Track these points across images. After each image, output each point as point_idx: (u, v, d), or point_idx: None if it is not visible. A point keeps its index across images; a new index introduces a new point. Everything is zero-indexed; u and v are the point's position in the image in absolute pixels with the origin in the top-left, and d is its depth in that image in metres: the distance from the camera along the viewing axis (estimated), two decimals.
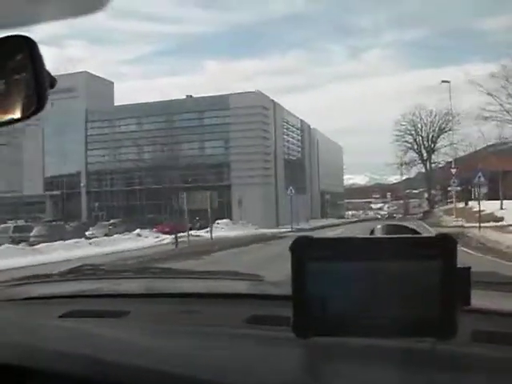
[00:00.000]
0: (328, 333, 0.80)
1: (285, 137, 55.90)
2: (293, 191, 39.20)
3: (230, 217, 44.45)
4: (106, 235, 32.11)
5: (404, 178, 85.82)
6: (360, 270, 0.77)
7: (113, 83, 58.32)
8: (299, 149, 60.91)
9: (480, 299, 0.97)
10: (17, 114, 0.81)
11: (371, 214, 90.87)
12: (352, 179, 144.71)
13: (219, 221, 37.39)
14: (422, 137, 65.91)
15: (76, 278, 1.84)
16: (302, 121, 61.64)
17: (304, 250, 0.79)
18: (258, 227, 38.47)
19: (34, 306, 1.42)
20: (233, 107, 47.87)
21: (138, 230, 31.50)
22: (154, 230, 39.92)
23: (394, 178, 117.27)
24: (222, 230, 34.70)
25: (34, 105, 0.79)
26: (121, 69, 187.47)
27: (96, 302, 1.40)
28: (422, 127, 65.86)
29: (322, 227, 40.92)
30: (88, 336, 1.04)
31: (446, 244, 0.77)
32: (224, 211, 45.25)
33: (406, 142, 66.30)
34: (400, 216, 78.45)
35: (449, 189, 45.60)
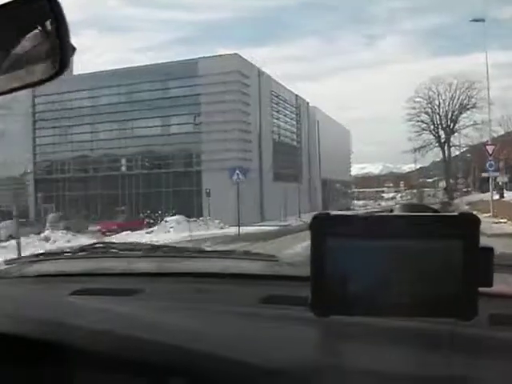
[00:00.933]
0: (347, 312, 0.79)
1: (274, 113, 45.57)
2: (240, 177, 26.83)
3: (200, 210, 35.50)
4: (10, 236, 23.65)
5: (418, 166, 79.67)
6: (380, 247, 0.77)
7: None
8: (294, 129, 51.02)
9: (501, 282, 0.95)
10: (38, 77, 0.81)
11: (383, 204, 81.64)
12: (365, 168, 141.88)
13: (168, 218, 28.54)
14: (440, 115, 56.28)
15: (88, 255, 1.81)
16: (297, 96, 51.39)
17: (323, 227, 0.78)
18: (224, 225, 29.47)
19: (46, 283, 1.44)
20: (203, 74, 37.83)
21: (47, 232, 22.93)
22: (98, 227, 31.64)
23: (407, 167, 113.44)
24: (171, 229, 25.84)
25: (56, 68, 0.79)
26: (134, 57, 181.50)
27: (108, 280, 1.41)
28: (439, 104, 56.16)
29: None
30: (100, 311, 1.05)
31: (468, 223, 0.76)
32: (193, 204, 36.20)
33: (421, 121, 56.75)
34: None
35: (483, 175, 35.43)
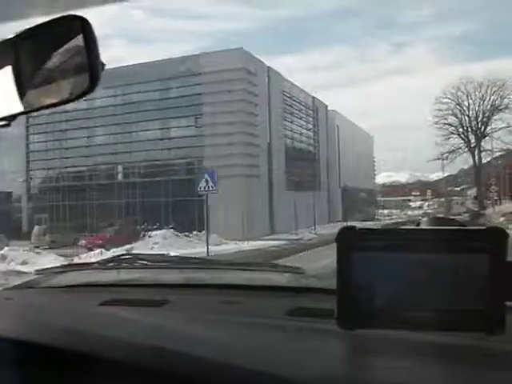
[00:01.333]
0: (373, 325, 0.80)
1: (287, 116, 41.52)
2: (210, 186, 18.45)
3: (201, 223, 31.85)
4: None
5: (446, 174, 76.65)
6: (407, 261, 0.76)
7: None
8: (310, 133, 47.05)
9: None
10: (69, 95, 0.83)
11: (409, 213, 77.17)
12: (392, 177, 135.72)
13: (154, 232, 24.88)
14: (470, 117, 51.54)
15: (116, 266, 1.82)
16: (314, 98, 47.58)
17: (350, 241, 0.78)
18: (222, 240, 25.69)
19: (75, 294, 1.48)
20: (205, 72, 34.30)
21: (5, 249, 19.54)
22: (83, 242, 28.42)
23: (435, 175, 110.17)
24: (155, 246, 22.18)
25: (86, 85, 0.81)
26: None
27: (136, 290, 1.45)
28: (469, 105, 51.58)
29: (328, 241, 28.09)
30: (128, 322, 1.08)
31: (495, 236, 0.76)
32: (194, 215, 32.56)
33: (449, 124, 52.21)
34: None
35: None
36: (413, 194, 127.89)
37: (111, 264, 1.82)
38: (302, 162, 42.75)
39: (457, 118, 52.09)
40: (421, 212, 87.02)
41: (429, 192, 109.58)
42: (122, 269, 1.79)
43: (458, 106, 51.60)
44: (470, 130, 52.08)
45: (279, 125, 39.57)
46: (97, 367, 0.91)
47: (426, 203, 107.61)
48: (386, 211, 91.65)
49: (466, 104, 51.63)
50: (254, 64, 36.25)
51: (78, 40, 0.79)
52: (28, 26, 0.84)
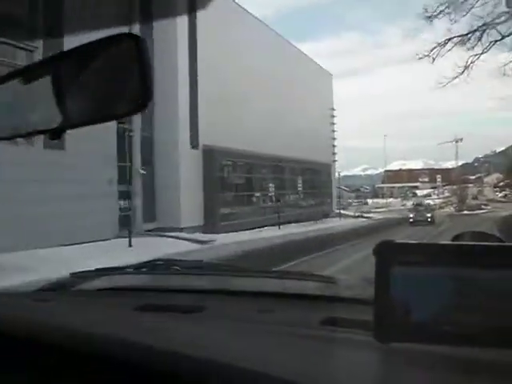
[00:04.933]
0: (410, 339, 0.79)
1: None
2: None
3: None
4: None
5: (460, 163, 69.92)
6: (446, 276, 0.77)
7: None
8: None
9: None
10: (123, 111, 0.86)
11: (409, 204, 62.81)
12: (405, 165, 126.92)
13: None
14: None
15: (149, 271, 1.81)
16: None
17: (388, 254, 0.78)
18: None
19: (109, 298, 1.49)
20: None
21: None
22: None
23: (449, 164, 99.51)
24: None
25: (139, 102, 0.82)
26: None
27: (170, 296, 1.45)
28: None
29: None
30: (164, 330, 1.07)
31: None
32: None
33: None
34: (454, 210, 52.09)
35: None
36: (420, 180, 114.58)
37: (144, 269, 1.80)
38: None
39: None
40: (430, 201, 73.74)
41: (439, 178, 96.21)
42: (155, 274, 1.79)
43: None
44: None
45: None
46: (131, 374, 0.91)
47: (436, 191, 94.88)
48: (384, 201, 79.26)
49: None
50: None
51: (131, 57, 0.82)
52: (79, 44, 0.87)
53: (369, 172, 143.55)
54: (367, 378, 0.83)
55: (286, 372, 0.82)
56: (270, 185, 28.23)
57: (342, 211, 37.94)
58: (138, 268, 1.81)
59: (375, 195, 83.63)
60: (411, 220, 32.92)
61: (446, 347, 0.78)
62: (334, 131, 41.33)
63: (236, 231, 20.82)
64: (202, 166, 22.23)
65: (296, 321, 1.15)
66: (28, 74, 0.93)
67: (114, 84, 0.86)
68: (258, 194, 27.59)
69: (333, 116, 41.12)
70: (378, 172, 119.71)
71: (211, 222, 21.60)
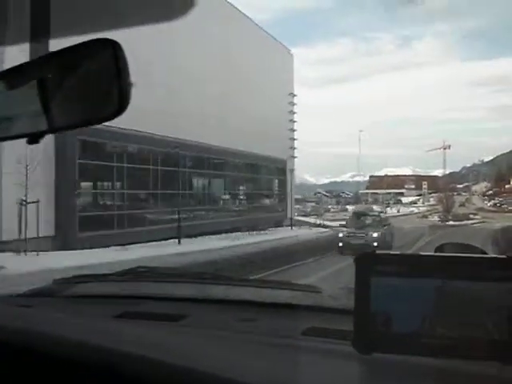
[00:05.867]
0: (389, 350, 0.79)
1: None
2: None
3: None
4: None
5: (448, 172, 72.75)
6: (426, 287, 0.77)
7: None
8: None
9: None
10: (100, 115, 0.87)
11: (392, 211, 57.09)
12: (394, 172, 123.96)
13: None
14: None
15: (131, 278, 1.83)
16: None
17: (369, 265, 0.79)
18: None
19: (90, 305, 1.49)
20: None
21: None
22: None
23: (437, 172, 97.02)
24: None
25: (116, 106, 0.83)
26: None
27: (151, 304, 1.44)
28: None
29: None
30: (142, 338, 1.08)
31: None
32: None
33: None
34: (438, 220, 45.66)
35: None
36: (406, 186, 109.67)
37: (127, 276, 1.82)
38: None
39: None
40: (415, 209, 70.63)
41: (424, 184, 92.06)
42: (137, 281, 1.80)
43: None
44: None
45: None
46: (106, 381, 0.92)
47: (421, 199, 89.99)
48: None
49: None
50: None
51: (109, 62, 0.82)
52: (60, 47, 0.87)
53: (357, 179, 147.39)
54: None
55: (264, 381, 0.83)
56: (195, 182, 21.48)
57: (303, 218, 31.35)
58: (120, 275, 1.82)
59: (357, 201, 78.22)
60: (340, 244, 18.61)
61: (424, 358, 0.79)
62: (294, 121, 34.72)
63: (106, 246, 14.01)
64: (53, 148, 15.08)
65: (277, 330, 1.14)
66: (6, 77, 0.93)
67: (91, 88, 0.86)
68: (163, 192, 20.42)
69: (293, 103, 34.56)
70: (366, 179, 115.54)
71: (64, 233, 14.62)
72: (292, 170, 33.15)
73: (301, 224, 30.70)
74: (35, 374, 0.99)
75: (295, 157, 35.22)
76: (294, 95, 34.57)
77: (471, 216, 49.60)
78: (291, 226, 29.31)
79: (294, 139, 35.11)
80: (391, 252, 0.82)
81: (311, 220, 35.89)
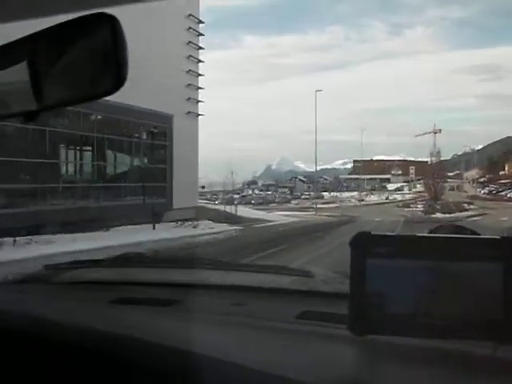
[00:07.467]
0: (384, 332, 0.79)
1: None
2: None
3: None
4: None
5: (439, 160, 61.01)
6: (420, 268, 0.77)
7: None
8: None
9: None
10: (98, 91, 0.85)
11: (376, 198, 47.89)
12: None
13: None
14: None
15: (124, 264, 1.82)
16: None
17: (365, 245, 0.79)
18: None
19: (84, 291, 1.48)
20: None
21: None
22: None
23: (428, 160, 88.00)
24: None
25: (114, 82, 0.82)
26: None
27: (144, 289, 1.44)
28: None
29: None
30: (137, 323, 1.09)
31: (510, 246, 0.76)
32: None
33: None
34: (422, 213, 35.03)
35: None
36: (392, 172, 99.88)
37: (119, 261, 1.82)
38: None
39: None
40: (399, 196, 62.03)
41: (412, 169, 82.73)
42: (129, 267, 1.79)
43: None
44: None
45: None
46: (102, 365, 0.94)
47: (407, 186, 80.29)
48: (348, 194, 64.37)
49: None
50: None
51: (106, 37, 0.80)
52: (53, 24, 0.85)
53: (348, 166, 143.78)
54: (340, 369, 0.83)
55: (258, 363, 0.83)
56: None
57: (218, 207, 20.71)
58: (112, 261, 1.81)
59: (335, 188, 67.79)
60: None
61: (419, 339, 0.79)
62: (199, 61, 24.06)
63: None
64: None
65: (272, 314, 1.15)
66: (1, 55, 0.90)
67: (88, 64, 0.84)
68: None
69: (199, 33, 23.91)
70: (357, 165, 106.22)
71: None
72: (197, 135, 22.42)
73: (206, 216, 20.08)
74: (32, 359, 1.01)
75: (201, 114, 24.27)
76: (201, 22, 23.94)
77: (465, 206, 38.97)
78: (153, 224, 18.30)
79: (199, 88, 24.28)
80: (387, 233, 0.80)
81: (226, 209, 25.13)
